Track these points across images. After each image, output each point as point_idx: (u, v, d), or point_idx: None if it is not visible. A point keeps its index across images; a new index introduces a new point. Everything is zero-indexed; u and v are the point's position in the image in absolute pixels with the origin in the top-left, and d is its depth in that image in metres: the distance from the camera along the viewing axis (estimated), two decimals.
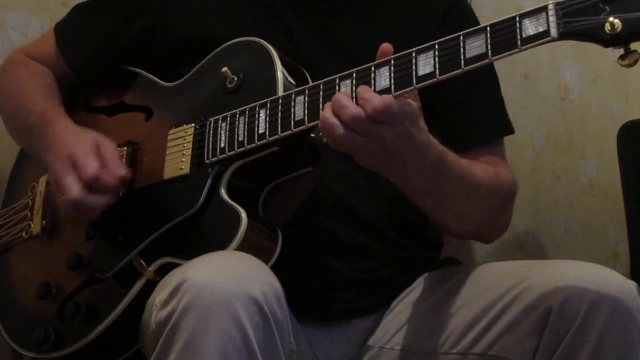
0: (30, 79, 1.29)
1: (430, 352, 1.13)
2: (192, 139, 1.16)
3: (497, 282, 1.10)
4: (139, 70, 1.30)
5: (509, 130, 1.32)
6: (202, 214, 1.10)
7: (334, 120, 0.97)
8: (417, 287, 1.22)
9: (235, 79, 1.14)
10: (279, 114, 1.06)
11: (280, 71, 1.10)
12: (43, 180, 1.28)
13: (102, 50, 1.33)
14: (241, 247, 1.05)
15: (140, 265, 1.11)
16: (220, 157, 1.12)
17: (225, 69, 1.15)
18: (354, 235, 1.21)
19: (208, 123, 1.15)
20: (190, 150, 1.15)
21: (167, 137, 1.19)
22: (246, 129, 1.09)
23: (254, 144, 1.08)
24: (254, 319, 0.93)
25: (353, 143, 0.97)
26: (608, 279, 1.02)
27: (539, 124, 2.28)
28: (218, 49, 1.19)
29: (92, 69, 1.35)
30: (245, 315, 0.92)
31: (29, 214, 1.26)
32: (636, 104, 2.50)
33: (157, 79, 1.27)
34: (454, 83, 1.03)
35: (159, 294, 0.98)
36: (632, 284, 1.03)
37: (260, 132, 1.07)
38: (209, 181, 1.11)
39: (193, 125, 1.16)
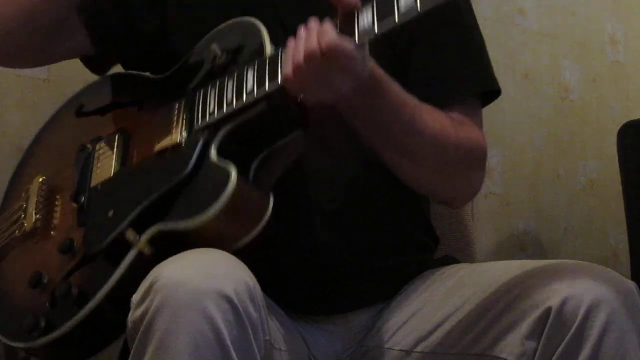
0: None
1: (429, 353, 1.13)
2: (183, 108, 1.15)
3: (497, 283, 1.10)
4: (132, 72, 1.29)
5: (482, 85, 1.25)
6: (192, 179, 1.09)
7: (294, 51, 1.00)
8: (415, 286, 1.22)
9: (225, 55, 1.15)
10: (266, 71, 1.05)
11: (266, 35, 1.10)
12: (36, 180, 1.28)
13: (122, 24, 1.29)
14: (230, 207, 1.03)
15: (132, 237, 1.08)
16: (209, 120, 1.11)
17: (214, 45, 1.16)
18: (348, 226, 1.20)
19: (197, 93, 1.14)
20: (181, 119, 1.15)
21: (159, 116, 1.18)
22: (235, 90, 1.09)
23: (242, 103, 1.07)
24: (227, 317, 0.92)
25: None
26: (608, 280, 1.02)
27: (539, 124, 2.28)
28: (207, 34, 1.20)
29: (103, 34, 1.30)
30: (218, 313, 0.92)
31: (23, 214, 1.26)
32: (636, 104, 2.50)
33: (149, 75, 1.27)
34: (425, 43, 1.07)
35: (136, 294, 0.98)
36: (631, 284, 1.03)
37: (248, 90, 1.07)
38: (199, 146, 1.10)
39: (183, 99, 1.16)
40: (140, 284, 0.98)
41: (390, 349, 1.16)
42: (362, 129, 1.13)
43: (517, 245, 2.20)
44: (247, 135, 1.11)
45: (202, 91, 1.14)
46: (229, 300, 0.93)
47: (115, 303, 1.06)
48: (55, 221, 1.21)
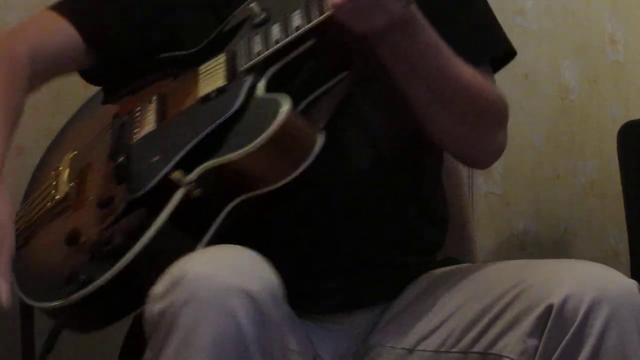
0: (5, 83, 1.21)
1: (432, 352, 1.13)
2: (225, 59, 1.15)
3: (498, 281, 1.10)
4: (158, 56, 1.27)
5: (490, 51, 1.27)
6: (240, 117, 1.08)
7: None
8: (417, 285, 1.22)
9: (264, 14, 1.15)
10: (314, 6, 1.07)
11: None
12: (67, 157, 1.25)
13: (125, 27, 1.26)
14: (280, 135, 1.03)
15: (179, 177, 1.05)
16: (256, 61, 1.11)
17: (253, 4, 1.16)
18: (353, 222, 1.20)
19: (239, 43, 1.15)
20: (224, 67, 1.14)
21: (199, 74, 1.18)
22: (281, 30, 1.10)
23: (289, 39, 1.08)
24: (250, 315, 0.92)
25: None
26: (609, 278, 1.02)
27: (539, 124, 2.28)
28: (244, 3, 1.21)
29: (112, 48, 1.27)
30: (242, 311, 0.91)
31: (54, 189, 1.22)
32: (636, 104, 2.50)
33: (178, 53, 1.24)
34: (433, 15, 1.10)
35: (156, 286, 0.96)
36: (633, 283, 1.03)
37: (295, 26, 1.08)
38: (247, 84, 1.10)
39: (224, 53, 1.16)
40: (163, 276, 0.96)
41: (392, 347, 1.16)
42: (402, 74, 1.13)
43: (517, 245, 2.21)
44: (294, 75, 1.11)
45: (244, 39, 1.14)
46: (254, 298, 0.92)
47: (157, 253, 1.03)
48: (91, 185, 1.17)
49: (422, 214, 1.27)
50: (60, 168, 1.24)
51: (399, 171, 1.22)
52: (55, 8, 1.26)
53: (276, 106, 1.04)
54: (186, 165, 1.06)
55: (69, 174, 1.20)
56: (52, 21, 1.24)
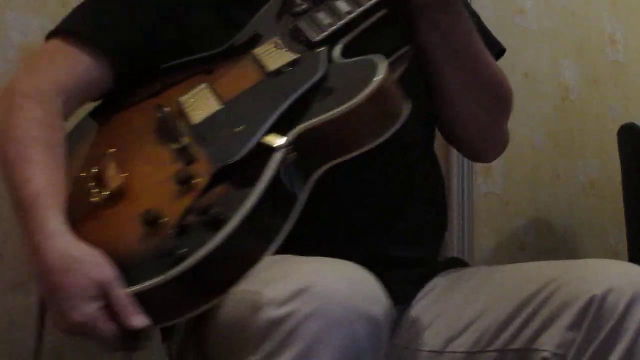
0: (34, 135, 1.11)
1: (464, 352, 1.13)
2: (284, 40, 1.16)
3: (531, 279, 1.10)
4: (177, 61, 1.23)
5: (496, 45, 1.36)
6: (324, 81, 1.09)
7: None
8: (436, 286, 1.22)
9: (305, 4, 1.17)
10: None
11: None
12: (108, 153, 1.17)
13: (141, 36, 1.22)
14: (380, 92, 1.04)
15: (275, 141, 1.04)
16: (329, 30, 1.13)
17: None
18: (381, 213, 1.21)
19: (299, 22, 1.17)
20: (288, 44, 1.16)
21: (256, 56, 1.18)
22: (350, 2, 1.13)
23: (362, 9, 1.11)
24: (371, 342, 0.91)
25: None
26: None
27: (539, 124, 2.28)
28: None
29: (130, 58, 1.21)
30: (365, 337, 0.91)
31: (94, 183, 1.14)
32: (636, 104, 2.50)
33: (199, 55, 1.22)
34: None
35: (272, 290, 0.93)
36: None
37: None
38: (324, 54, 1.12)
39: (278, 36, 1.17)
40: (283, 281, 0.93)
41: (418, 350, 1.16)
42: (446, 56, 1.18)
43: (517, 245, 2.20)
44: (366, 45, 1.13)
45: (306, 18, 1.16)
46: (377, 324, 0.92)
47: (257, 220, 1.01)
48: (148, 172, 1.13)
49: (435, 207, 1.29)
50: (101, 163, 1.16)
51: (421, 163, 1.25)
52: (66, 34, 1.20)
53: (374, 65, 1.07)
54: (278, 128, 1.05)
55: (116, 167, 1.14)
56: (68, 51, 1.19)
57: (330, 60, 1.12)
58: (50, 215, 1.03)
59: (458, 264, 1.31)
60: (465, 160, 2.01)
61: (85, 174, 1.14)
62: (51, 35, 1.21)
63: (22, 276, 1.50)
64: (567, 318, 1.03)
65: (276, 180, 1.02)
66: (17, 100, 1.13)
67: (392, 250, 1.20)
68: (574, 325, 1.02)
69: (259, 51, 1.18)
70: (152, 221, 1.03)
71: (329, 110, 1.04)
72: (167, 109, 1.15)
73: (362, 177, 1.16)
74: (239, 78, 1.16)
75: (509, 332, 1.09)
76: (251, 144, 1.04)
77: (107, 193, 1.10)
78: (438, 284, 1.22)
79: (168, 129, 1.13)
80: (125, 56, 1.20)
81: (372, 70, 1.06)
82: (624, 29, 2.53)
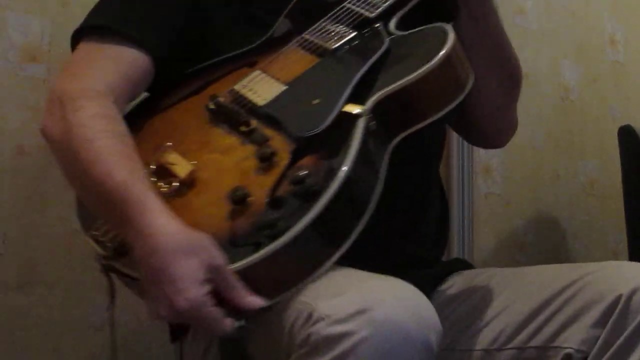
0: (100, 129, 1.07)
1: (481, 350, 1.13)
2: (333, 20, 1.18)
3: (553, 279, 1.11)
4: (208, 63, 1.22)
5: None
6: (387, 53, 1.12)
7: None
8: (451, 287, 1.22)
9: None
10: None
11: None
12: (165, 147, 1.13)
13: (181, 30, 1.20)
14: (451, 56, 1.07)
15: (356, 109, 1.04)
16: (385, 6, 1.16)
17: None
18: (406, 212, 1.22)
19: (343, 5, 1.19)
20: (340, 24, 1.18)
21: (305, 39, 1.19)
22: None
23: None
24: None
25: None
26: None
27: (539, 124, 2.28)
28: None
29: (167, 52, 1.19)
30: None
31: (156, 177, 1.10)
32: (636, 104, 2.50)
33: (231, 53, 1.21)
34: None
35: (331, 305, 0.93)
36: None
37: None
38: (381, 28, 1.15)
39: (327, 19, 1.19)
40: (341, 298, 0.93)
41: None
42: (477, 34, 1.21)
43: (517, 245, 2.20)
44: (414, 20, 1.16)
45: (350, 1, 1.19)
46: (431, 352, 0.93)
47: (352, 186, 1.00)
48: (217, 158, 1.10)
49: (444, 204, 1.30)
50: (160, 156, 1.11)
51: (436, 160, 1.27)
52: (103, 32, 1.17)
53: (444, 30, 1.10)
54: (355, 98, 1.06)
55: (179, 157, 1.11)
56: (108, 50, 1.16)
57: (389, 33, 1.15)
58: (149, 201, 0.98)
59: (463, 264, 1.31)
60: (465, 160, 2.01)
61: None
62: (84, 34, 1.18)
63: (22, 276, 1.50)
64: (592, 315, 1.04)
65: (363, 147, 1.02)
66: (70, 103, 1.08)
67: (417, 251, 1.21)
68: (599, 323, 1.03)
69: (308, 35, 1.19)
70: (241, 198, 1.01)
71: (405, 76, 1.06)
72: (222, 99, 1.14)
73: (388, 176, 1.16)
74: (293, 61, 1.16)
75: (528, 330, 1.09)
76: (335, 112, 1.04)
77: (177, 183, 1.07)
78: (454, 284, 1.22)
79: (228, 116, 1.12)
80: (164, 50, 1.18)
81: (443, 34, 1.09)
82: (624, 29, 2.53)
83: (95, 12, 1.20)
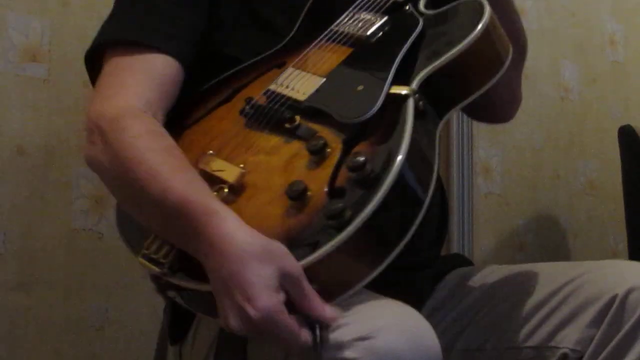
0: (148, 146, 1.03)
1: (476, 350, 1.13)
2: (360, 7, 1.17)
3: (549, 278, 1.11)
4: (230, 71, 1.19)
5: None
6: (425, 30, 1.11)
7: None
8: (449, 285, 1.21)
9: None
10: None
11: None
12: (207, 154, 1.10)
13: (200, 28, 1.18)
14: (488, 32, 1.07)
15: (403, 90, 1.03)
16: None
17: None
18: None
19: None
20: (369, 11, 1.16)
21: (333, 31, 1.16)
22: None
23: None
24: None
25: None
26: None
27: (539, 124, 2.28)
28: None
29: (194, 58, 1.16)
30: None
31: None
32: (636, 104, 2.50)
33: (256, 58, 1.18)
34: None
35: (333, 329, 0.91)
36: None
37: None
38: (411, 9, 1.14)
39: (354, 7, 1.17)
40: (344, 322, 0.91)
41: None
42: (497, 10, 1.15)
43: (517, 245, 2.21)
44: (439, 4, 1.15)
45: None
46: None
47: (412, 168, 0.97)
48: (264, 159, 1.07)
49: (444, 201, 1.29)
50: (204, 164, 1.08)
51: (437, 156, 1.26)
52: (127, 44, 1.12)
53: (480, 3, 1.09)
54: (398, 80, 1.05)
55: (224, 163, 1.07)
56: (137, 63, 1.11)
57: (420, 13, 1.14)
58: (214, 209, 0.94)
59: (462, 260, 1.31)
60: (465, 160, 2.01)
61: None
62: (106, 47, 1.13)
63: (22, 276, 1.50)
64: (588, 315, 1.04)
65: (416, 127, 1.00)
66: (111, 127, 1.04)
67: (417, 253, 1.20)
68: (594, 323, 1.03)
69: (337, 27, 1.16)
70: (300, 193, 0.97)
71: (448, 51, 1.05)
72: (258, 101, 1.11)
73: None
74: (327, 55, 1.14)
75: (523, 331, 1.09)
76: (383, 94, 1.02)
77: (227, 189, 1.02)
78: (452, 282, 1.22)
79: (268, 116, 1.08)
80: (191, 53, 1.15)
81: (480, 7, 1.08)
82: (624, 29, 2.53)
83: (113, 23, 1.16)
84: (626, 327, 1.01)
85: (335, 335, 0.90)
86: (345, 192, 0.95)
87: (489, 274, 1.20)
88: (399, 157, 0.95)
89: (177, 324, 1.17)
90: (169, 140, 1.04)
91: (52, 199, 1.53)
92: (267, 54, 1.18)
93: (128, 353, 1.59)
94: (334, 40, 1.14)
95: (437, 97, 1.05)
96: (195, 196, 0.95)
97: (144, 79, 1.10)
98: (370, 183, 0.94)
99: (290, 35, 1.20)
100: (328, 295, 0.93)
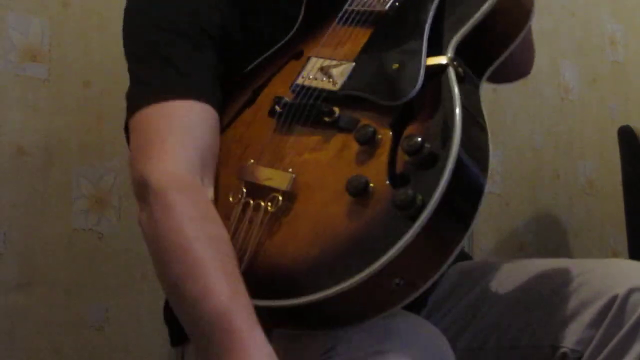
0: (194, 235, 0.97)
1: (477, 349, 1.13)
2: None
3: (550, 276, 1.11)
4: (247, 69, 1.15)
5: None
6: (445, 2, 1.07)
7: None
8: (449, 283, 1.20)
9: None
10: None
11: None
12: (249, 165, 1.05)
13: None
14: None
15: (438, 61, 1.00)
16: None
17: None
18: None
19: None
20: None
21: (348, 11, 1.11)
22: None
23: None
24: None
25: None
26: None
27: (539, 124, 2.28)
28: None
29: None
30: None
31: (260, 197, 1.02)
32: (636, 104, 2.50)
33: (269, 52, 1.14)
34: None
35: (346, 344, 0.91)
36: None
37: None
38: None
39: None
40: (363, 337, 0.91)
41: None
42: None
43: (517, 245, 2.21)
44: None
45: None
46: None
47: (471, 138, 0.94)
48: (310, 158, 1.03)
49: None
50: (243, 186, 1.04)
51: None
52: (159, 99, 1.06)
53: None
54: (431, 51, 1.01)
55: (270, 171, 1.03)
56: (174, 117, 1.06)
57: None
58: (252, 334, 0.90)
59: (461, 255, 1.30)
60: None
61: (233, 198, 1.02)
62: (138, 106, 1.08)
63: (22, 276, 1.50)
64: (588, 315, 1.04)
65: (462, 95, 0.96)
66: (158, 199, 0.99)
67: None
68: (594, 323, 1.03)
69: (350, 7, 1.11)
70: (362, 188, 0.93)
71: (477, 10, 1.02)
72: (287, 98, 1.06)
73: None
74: (348, 37, 1.09)
75: (526, 328, 1.09)
76: (422, 69, 0.99)
77: (281, 197, 0.99)
78: (452, 279, 1.20)
79: (302, 112, 1.04)
80: (218, 92, 1.11)
81: None
82: (624, 29, 2.53)
83: (137, 88, 1.11)
84: (626, 327, 1.00)
85: (350, 352, 0.89)
86: (409, 177, 0.92)
87: (487, 272, 1.19)
88: (457, 131, 0.91)
89: (179, 325, 1.17)
90: (216, 226, 0.99)
91: (52, 199, 1.53)
92: (280, 45, 1.15)
93: (128, 353, 1.59)
94: (351, 21, 1.10)
95: (474, 58, 1.02)
96: (235, 313, 0.90)
97: (184, 135, 1.04)
98: (432, 163, 0.91)
99: (299, 20, 1.16)
100: (412, 287, 0.91)
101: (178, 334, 1.15)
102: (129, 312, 1.57)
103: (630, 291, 1.01)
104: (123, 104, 1.09)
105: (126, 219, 1.59)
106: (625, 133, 2.05)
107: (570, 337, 1.05)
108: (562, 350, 1.05)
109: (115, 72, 1.53)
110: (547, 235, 2.29)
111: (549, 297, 1.08)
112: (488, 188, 0.93)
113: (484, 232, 2.11)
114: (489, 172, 0.95)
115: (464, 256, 1.30)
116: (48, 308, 1.51)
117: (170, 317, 1.16)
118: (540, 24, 2.31)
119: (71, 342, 1.53)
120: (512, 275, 1.16)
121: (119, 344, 1.58)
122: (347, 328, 0.92)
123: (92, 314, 1.55)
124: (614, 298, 1.02)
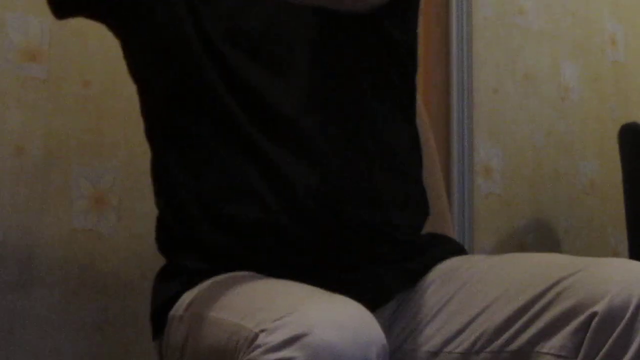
0: None
1: (461, 353, 1.12)
2: None
3: (532, 279, 1.09)
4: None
5: None
6: None
7: None
8: (434, 283, 1.19)
9: None
10: None
11: None
12: None
13: None
14: None
15: None
16: None
17: None
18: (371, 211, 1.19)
19: None
20: None
21: None
22: None
23: None
24: None
25: None
26: None
27: (539, 124, 2.28)
28: None
29: None
30: None
31: None
32: (636, 104, 2.50)
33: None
34: None
35: (267, 333, 0.93)
36: None
37: None
38: None
39: None
40: (277, 323, 0.92)
41: (414, 350, 1.15)
42: None
43: (517, 245, 2.20)
44: None
45: None
46: None
47: None
48: None
49: (414, 152, 1.27)
50: None
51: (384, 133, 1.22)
52: None
53: None
54: None
55: None
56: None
57: None
58: None
59: (450, 249, 1.28)
60: (466, 160, 2.01)
61: None
62: None
63: (22, 276, 1.50)
64: (569, 326, 1.01)
65: None
66: None
67: (377, 217, 1.17)
68: (578, 332, 1.01)
69: None
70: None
71: None
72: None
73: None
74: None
75: (506, 335, 1.07)
76: None
77: None
78: (435, 280, 1.19)
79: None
80: None
81: None
82: (624, 29, 2.53)
83: None
84: (613, 335, 0.98)
85: (270, 339, 0.91)
86: None
87: (474, 273, 1.16)
88: None
89: (157, 319, 1.19)
90: None
91: (52, 199, 1.53)
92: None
93: (128, 353, 1.59)
94: None
95: None
96: None
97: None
98: None
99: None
100: None
101: (156, 328, 1.19)
102: (129, 312, 1.57)
103: (610, 307, 0.98)
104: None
105: (126, 219, 1.59)
106: (628, 131, 2.04)
107: (555, 344, 1.02)
108: (547, 357, 1.03)
109: (115, 72, 1.53)
110: (548, 235, 2.29)
111: (532, 302, 1.05)
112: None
113: (484, 232, 2.11)
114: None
115: (460, 250, 1.28)
116: (48, 308, 1.51)
117: (153, 312, 1.21)
118: (540, 24, 2.31)
119: (71, 342, 1.53)
120: (497, 275, 1.13)
121: (119, 344, 1.58)
122: None
123: (92, 314, 1.55)
124: (593, 315, 0.99)
